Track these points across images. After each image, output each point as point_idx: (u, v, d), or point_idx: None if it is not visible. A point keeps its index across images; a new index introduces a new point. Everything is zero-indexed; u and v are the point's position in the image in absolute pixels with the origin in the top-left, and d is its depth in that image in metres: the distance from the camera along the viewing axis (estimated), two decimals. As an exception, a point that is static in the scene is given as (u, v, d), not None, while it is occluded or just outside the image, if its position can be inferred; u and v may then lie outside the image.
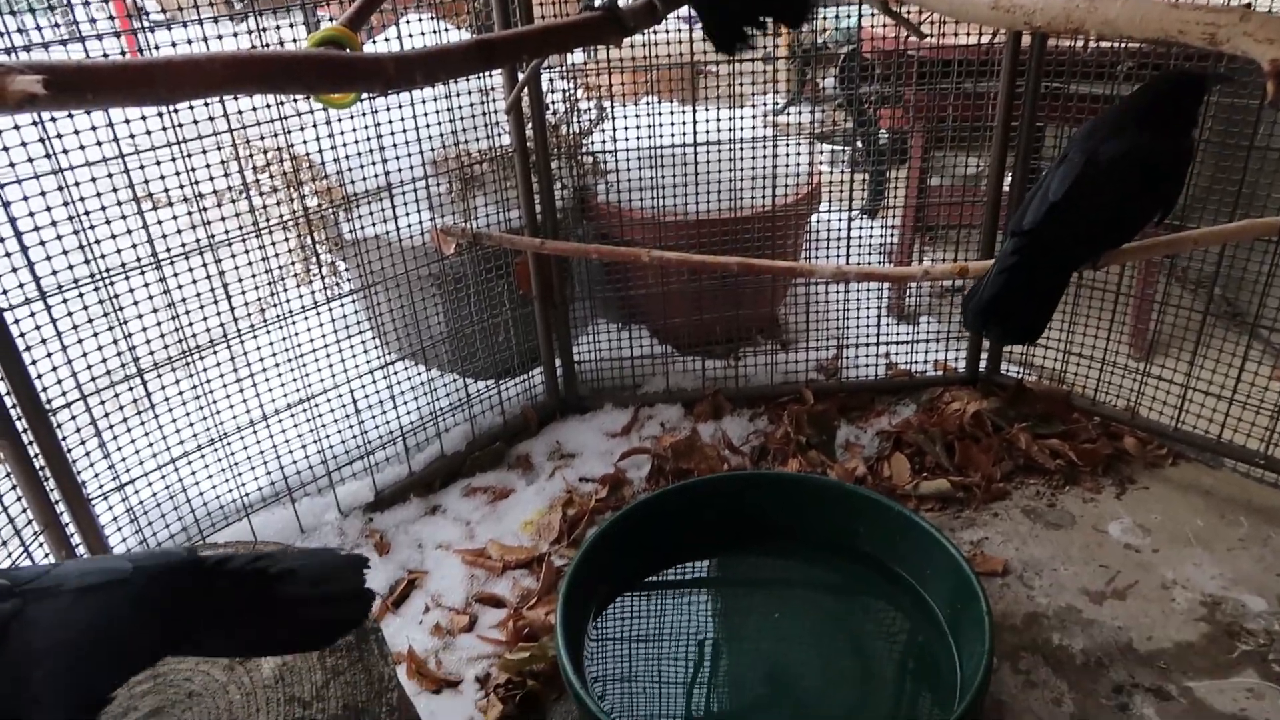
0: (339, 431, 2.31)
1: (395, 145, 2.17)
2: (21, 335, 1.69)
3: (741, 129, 2.52)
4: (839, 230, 2.63)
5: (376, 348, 2.35)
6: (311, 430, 2.22)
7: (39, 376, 1.74)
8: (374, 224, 2.25)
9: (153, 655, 1.09)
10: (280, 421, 2.19)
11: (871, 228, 3.02)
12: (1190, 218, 2.25)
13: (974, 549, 2.10)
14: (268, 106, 1.96)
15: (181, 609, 1.06)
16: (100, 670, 1.02)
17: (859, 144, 3.60)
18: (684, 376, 2.76)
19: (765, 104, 4.75)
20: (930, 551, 1.79)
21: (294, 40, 1.98)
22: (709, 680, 1.75)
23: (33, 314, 1.71)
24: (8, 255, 1.65)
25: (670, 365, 2.75)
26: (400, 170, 2.20)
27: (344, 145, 2.09)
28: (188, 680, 1.35)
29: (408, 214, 2.25)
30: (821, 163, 3.80)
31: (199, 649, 1.15)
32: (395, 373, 2.36)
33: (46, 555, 1.78)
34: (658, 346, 2.80)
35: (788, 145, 2.62)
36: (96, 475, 1.91)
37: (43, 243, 1.69)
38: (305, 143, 2.10)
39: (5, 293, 1.65)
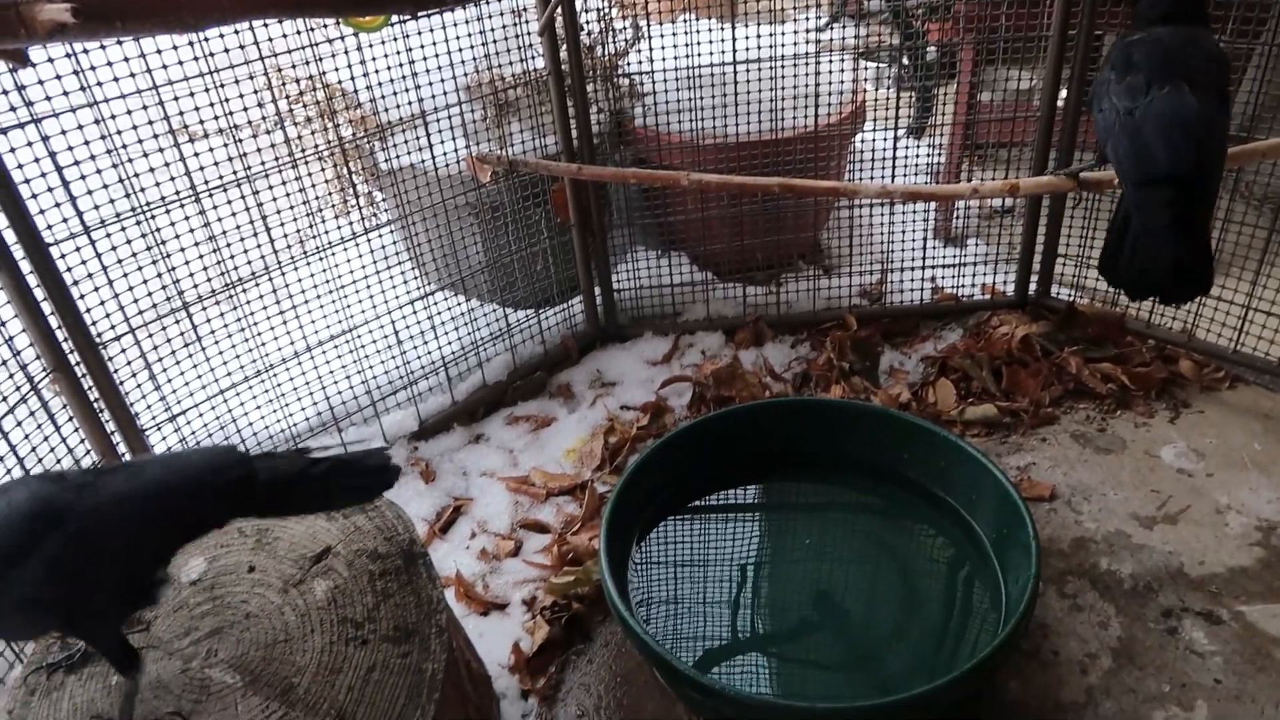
0: (382, 362, 2.33)
1: (428, 71, 2.13)
2: (69, 270, 1.72)
3: (782, 47, 2.43)
4: (884, 151, 2.55)
5: (416, 278, 2.35)
6: (355, 361, 2.25)
7: (88, 311, 1.77)
8: (409, 153, 2.23)
9: (210, 521, 1.23)
10: (324, 352, 2.21)
11: (918, 147, 2.92)
12: (1259, 129, 2.14)
13: (1021, 474, 2.08)
14: (298, 33, 1.93)
15: (237, 475, 1.20)
16: (168, 527, 1.17)
17: (905, 60, 3.46)
18: (725, 303, 2.73)
19: (807, 20, 4.58)
20: (976, 477, 1.77)
21: (322, -37, 1.93)
22: (752, 603, 1.77)
23: (78, 249, 1.73)
24: (50, 190, 1.66)
25: (711, 292, 2.72)
26: (434, 97, 2.16)
27: (376, 73, 2.05)
28: (244, 602, 1.39)
29: (443, 142, 2.22)
30: (866, 81, 3.67)
31: (258, 510, 1.30)
32: (435, 303, 2.36)
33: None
34: (698, 273, 2.76)
35: (830, 63, 2.52)
36: (149, 407, 1.95)
37: (83, 177, 1.70)
38: (338, 70, 2.07)
39: (50, 228, 1.67)
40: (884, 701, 1.41)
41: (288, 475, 1.23)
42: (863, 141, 2.91)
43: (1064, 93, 2.34)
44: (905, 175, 2.61)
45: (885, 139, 2.64)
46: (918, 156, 2.78)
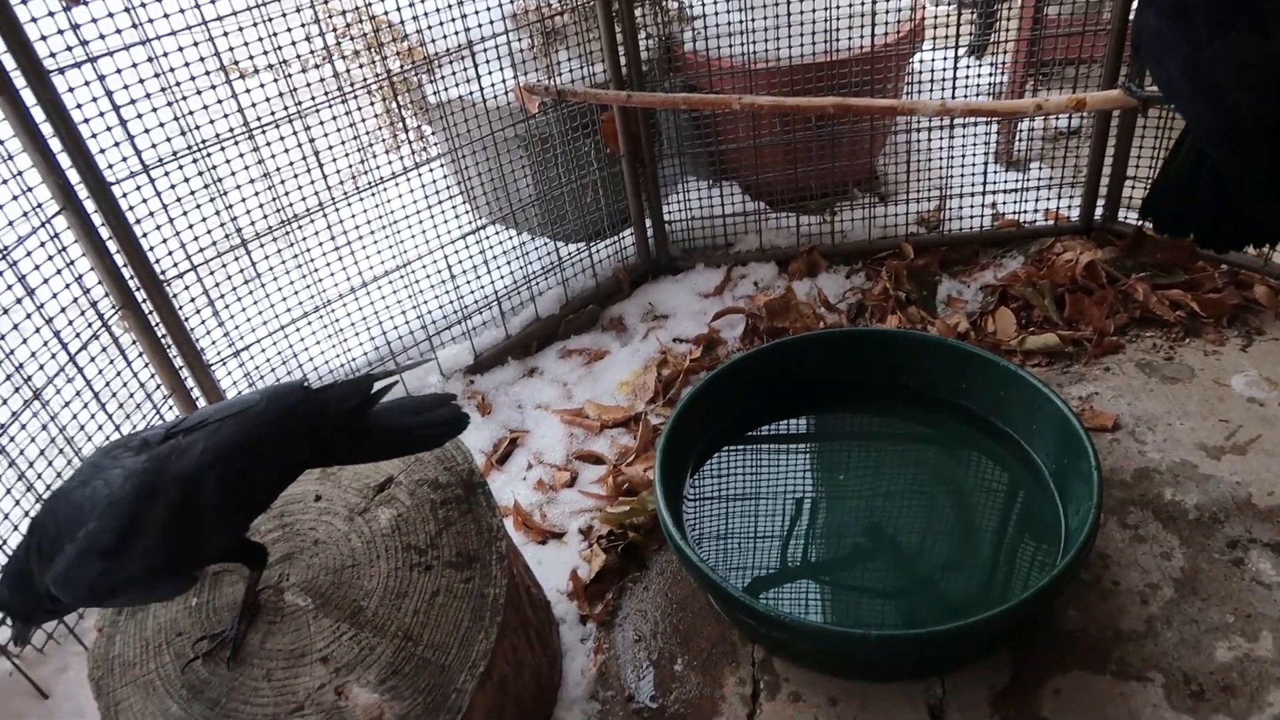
0: (435, 297, 2.35)
1: (474, -1, 2.09)
2: (130, 209, 1.75)
3: (838, -38, 2.33)
4: (943, 71, 2.45)
5: (467, 212, 2.35)
6: (410, 296, 2.27)
7: (151, 249, 1.80)
8: (457, 85, 2.21)
9: (294, 465, 1.29)
10: (379, 288, 2.23)
11: (979, 67, 2.80)
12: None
13: (1083, 404, 2.03)
14: (344, -37, 1.91)
15: (310, 422, 1.25)
16: (257, 477, 1.23)
17: (967, -26, 3.30)
18: (778, 233, 2.68)
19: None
20: (1037, 406, 1.74)
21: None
22: (806, 532, 1.78)
23: (138, 187, 1.76)
24: (109, 130, 1.68)
25: (763, 222, 2.68)
26: (480, 26, 2.13)
27: (422, 2, 2.02)
28: (312, 530, 1.44)
29: (490, 73, 2.20)
30: (924, -2, 3.51)
31: (334, 458, 1.36)
32: (487, 237, 2.37)
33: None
34: (750, 203, 2.72)
35: (889, -22, 2.42)
36: (214, 342, 2.00)
37: (139, 116, 1.72)
38: (383, 0, 2.05)
39: (110, 167, 1.70)
40: (940, 629, 1.41)
41: (356, 424, 1.28)
42: (921, 62, 2.80)
43: (1136, 3, 2.21)
44: (966, 97, 2.51)
45: (945, 59, 2.54)
46: (979, 77, 2.67)
